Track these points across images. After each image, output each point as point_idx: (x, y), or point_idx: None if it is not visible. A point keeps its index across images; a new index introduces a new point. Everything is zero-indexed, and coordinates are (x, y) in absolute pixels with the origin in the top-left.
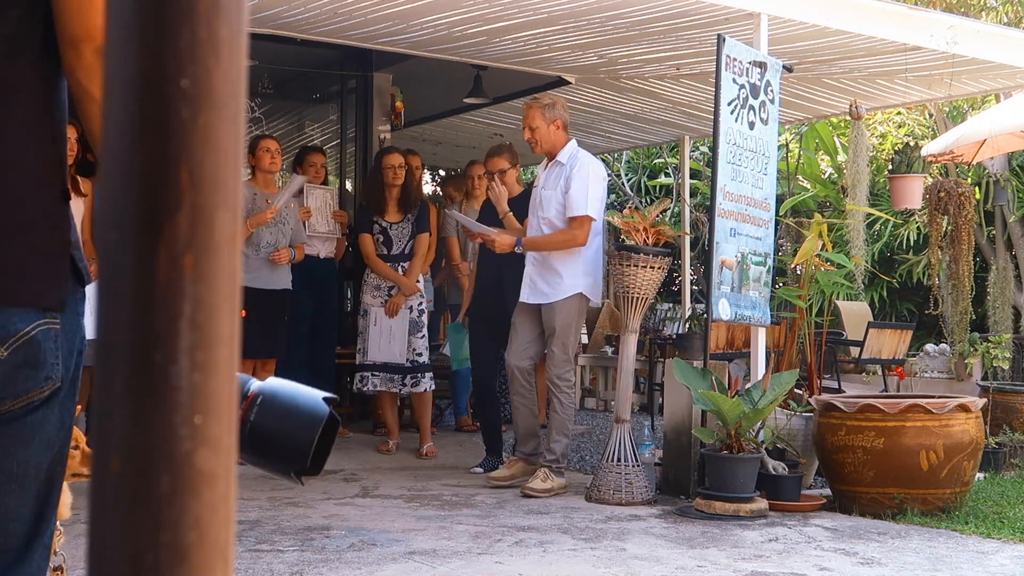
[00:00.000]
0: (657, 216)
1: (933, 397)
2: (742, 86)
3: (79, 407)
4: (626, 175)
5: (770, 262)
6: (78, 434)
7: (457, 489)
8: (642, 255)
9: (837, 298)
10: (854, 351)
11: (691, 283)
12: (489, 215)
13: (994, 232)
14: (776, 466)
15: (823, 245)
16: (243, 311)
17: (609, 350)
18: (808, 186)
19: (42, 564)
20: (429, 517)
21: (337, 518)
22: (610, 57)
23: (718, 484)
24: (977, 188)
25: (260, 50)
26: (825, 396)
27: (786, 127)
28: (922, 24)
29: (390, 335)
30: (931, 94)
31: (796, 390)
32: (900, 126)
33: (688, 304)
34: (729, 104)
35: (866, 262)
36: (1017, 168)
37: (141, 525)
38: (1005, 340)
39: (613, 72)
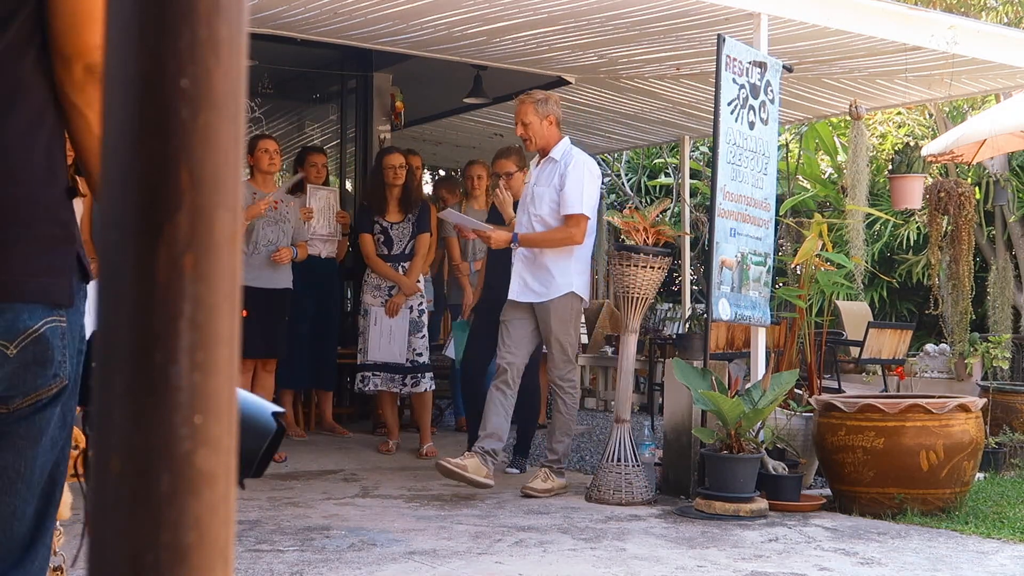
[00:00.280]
0: (657, 216)
1: (933, 397)
2: (742, 86)
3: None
4: (626, 175)
5: (770, 262)
6: (78, 434)
7: (457, 489)
8: (642, 255)
9: (837, 298)
10: (854, 351)
11: (691, 283)
12: (497, 218)
13: (994, 232)
14: (776, 466)
15: (823, 245)
16: (243, 311)
17: (609, 350)
18: (808, 186)
19: (43, 564)
20: (429, 517)
21: (337, 518)
22: (610, 57)
23: (718, 484)
24: (977, 188)
25: (260, 50)
26: (825, 396)
27: (786, 127)
28: (922, 24)
29: (390, 335)
30: (931, 94)
31: (796, 390)
32: (900, 126)
33: (688, 304)
34: (729, 104)
35: (866, 262)
36: (1017, 168)
37: (141, 525)
38: (1005, 340)
39: (613, 72)
